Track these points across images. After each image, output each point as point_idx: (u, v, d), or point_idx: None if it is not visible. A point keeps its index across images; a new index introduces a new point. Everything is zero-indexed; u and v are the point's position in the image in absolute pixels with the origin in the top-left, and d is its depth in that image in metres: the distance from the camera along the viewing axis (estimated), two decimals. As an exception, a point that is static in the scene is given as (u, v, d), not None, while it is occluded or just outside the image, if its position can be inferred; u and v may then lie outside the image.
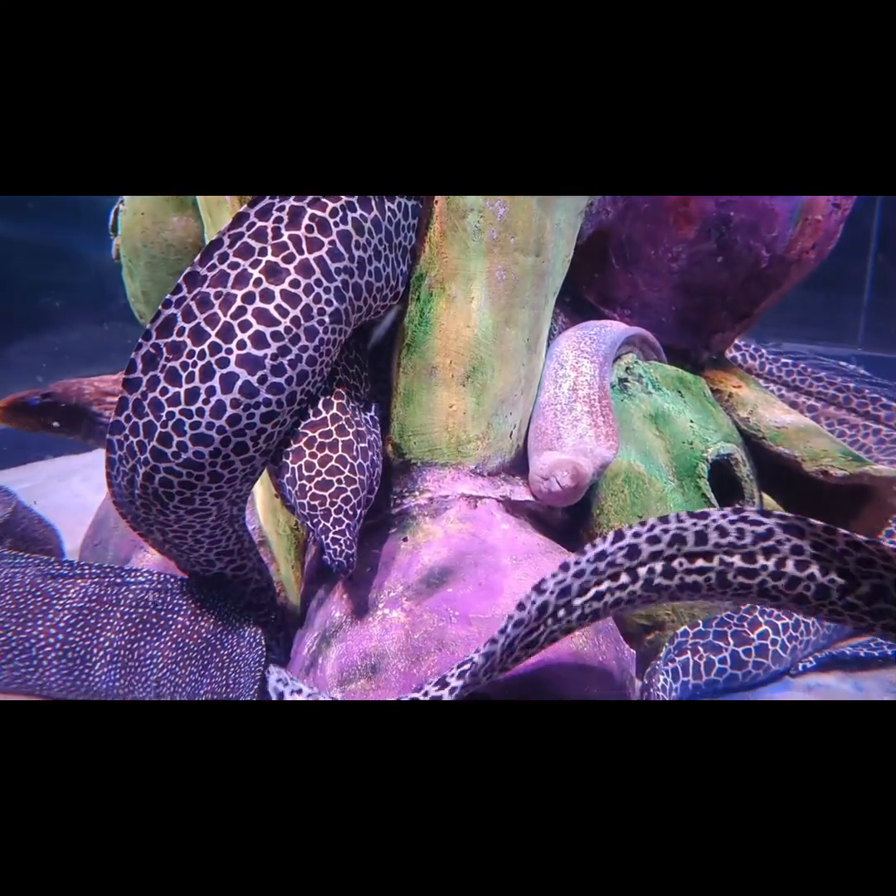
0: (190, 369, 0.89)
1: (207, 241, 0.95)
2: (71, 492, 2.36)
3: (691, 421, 1.29)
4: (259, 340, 0.89)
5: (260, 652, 1.17)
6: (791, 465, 1.32)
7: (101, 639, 1.29)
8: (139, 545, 1.48)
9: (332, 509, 0.94)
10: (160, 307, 0.90)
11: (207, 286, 0.90)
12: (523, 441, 1.20)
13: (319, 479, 0.95)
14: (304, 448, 0.97)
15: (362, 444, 0.99)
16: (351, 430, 0.98)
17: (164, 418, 0.89)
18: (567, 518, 1.23)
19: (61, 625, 1.31)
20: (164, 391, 0.89)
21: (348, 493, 0.95)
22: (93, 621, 1.31)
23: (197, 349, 0.89)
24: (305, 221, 0.92)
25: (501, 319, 1.10)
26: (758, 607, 1.31)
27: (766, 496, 1.48)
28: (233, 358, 0.88)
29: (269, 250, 0.91)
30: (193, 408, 0.88)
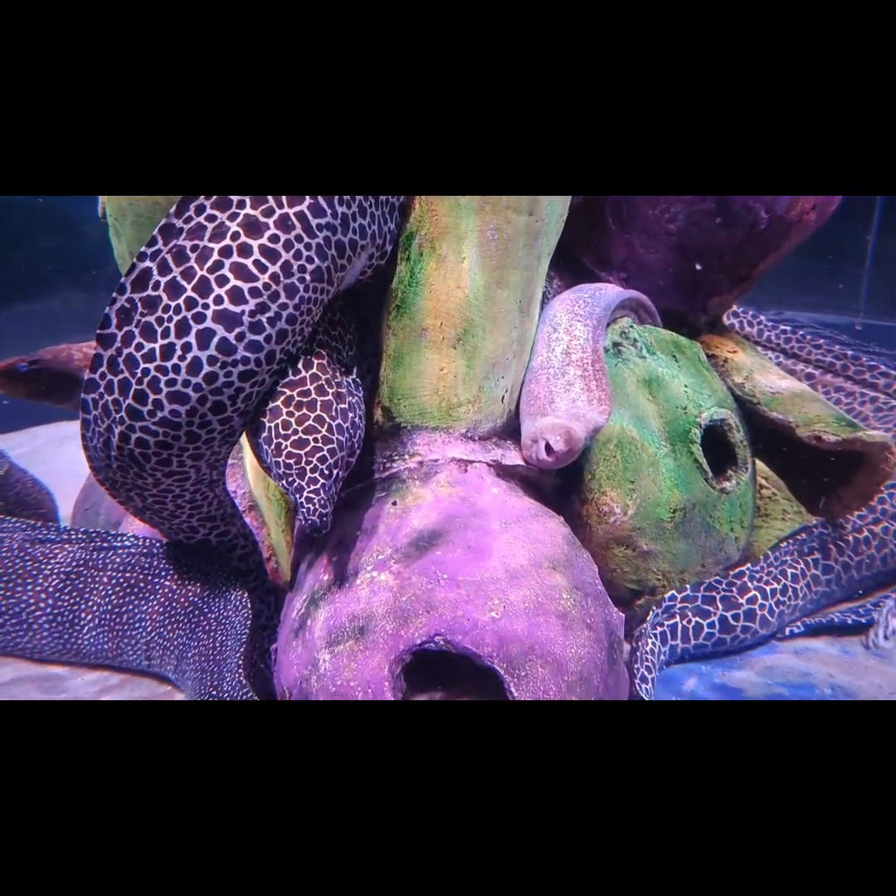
0: (165, 324, 0.87)
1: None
2: (68, 457, 2.35)
3: (685, 386, 1.28)
4: (237, 296, 0.86)
5: (246, 615, 1.18)
6: (785, 431, 1.31)
7: (89, 603, 1.31)
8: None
9: (308, 468, 0.92)
10: (135, 260, 0.88)
11: (183, 239, 0.87)
12: (515, 405, 1.19)
13: (296, 437, 0.93)
14: (282, 407, 0.95)
15: (342, 405, 0.97)
16: (331, 391, 0.97)
17: (139, 375, 0.88)
18: (558, 482, 1.22)
19: (51, 589, 1.32)
20: (139, 347, 0.88)
21: (325, 452, 0.93)
22: (81, 586, 1.31)
23: (172, 304, 0.87)
24: None
25: (493, 280, 1.08)
26: (747, 572, 1.32)
27: (759, 462, 1.48)
28: (209, 313, 0.86)
29: (248, 203, 0.88)
30: (169, 364, 0.87)
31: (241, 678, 1.04)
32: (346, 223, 0.94)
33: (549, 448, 1.06)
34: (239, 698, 1.01)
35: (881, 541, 1.41)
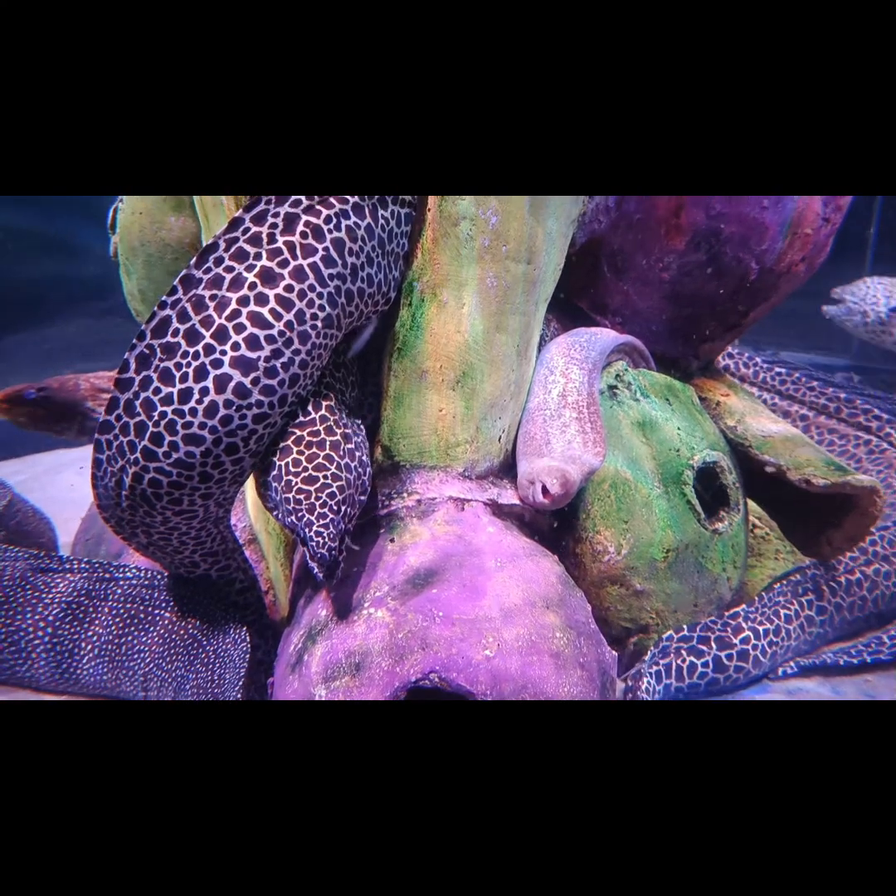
0: (184, 370, 0.90)
1: (204, 244, 0.97)
2: (66, 485, 2.38)
3: (678, 428, 1.31)
4: (253, 343, 0.90)
5: (244, 648, 1.19)
6: (776, 474, 1.34)
7: (89, 632, 1.32)
8: None
9: (317, 503, 0.95)
10: (155, 308, 0.92)
11: (203, 288, 0.92)
12: (512, 445, 1.22)
13: (305, 474, 0.96)
14: (293, 446, 0.98)
15: (349, 445, 1.01)
16: (339, 431, 1.00)
17: (156, 418, 0.91)
18: (553, 522, 1.25)
19: (50, 619, 1.33)
20: (156, 391, 0.91)
21: (334, 488, 0.96)
22: (81, 615, 1.33)
23: (191, 350, 0.90)
24: (300, 228, 0.94)
25: (492, 325, 1.12)
26: (742, 613, 1.34)
27: (752, 503, 1.51)
28: (227, 359, 0.90)
29: (264, 255, 0.92)
30: (186, 408, 0.90)
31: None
32: (355, 272, 0.99)
33: (545, 490, 1.09)
34: None
35: (873, 583, 1.43)
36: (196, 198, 1.28)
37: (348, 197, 0.98)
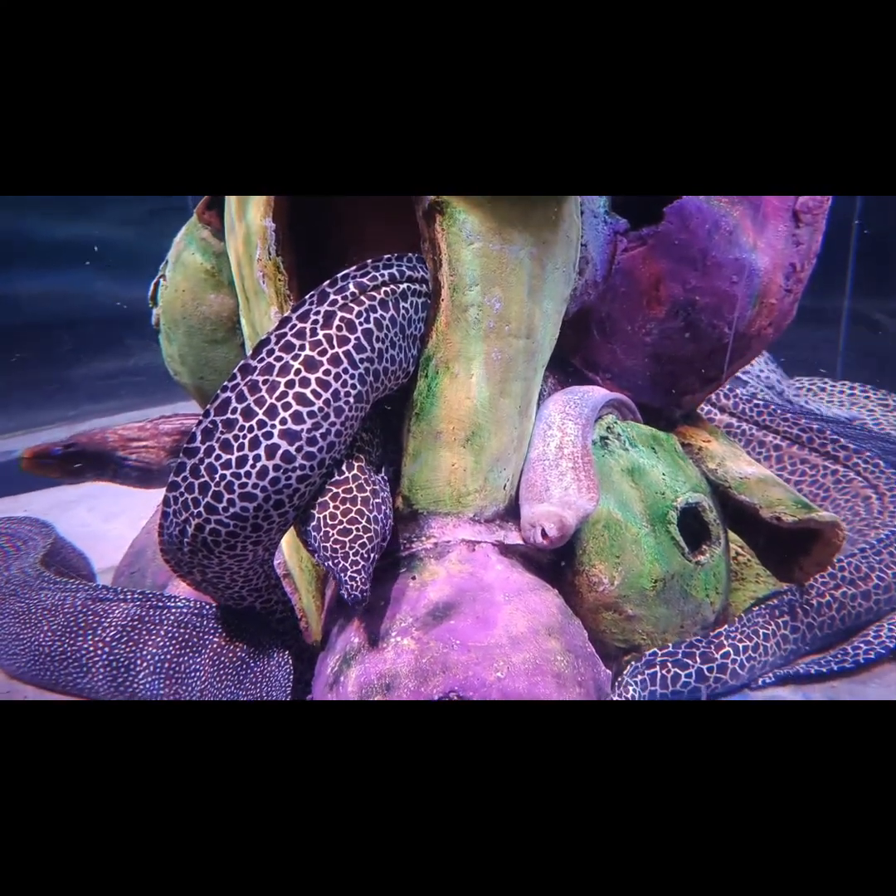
0: (240, 440, 1.09)
1: (258, 339, 1.14)
2: (78, 520, 2.49)
3: (663, 474, 1.49)
4: (297, 418, 1.09)
5: (288, 670, 1.36)
6: (751, 511, 1.51)
7: (144, 652, 1.49)
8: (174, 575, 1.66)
9: (351, 552, 1.13)
10: (219, 391, 1.11)
11: (256, 375, 1.11)
12: (515, 492, 1.39)
13: (341, 527, 1.15)
14: (329, 502, 1.17)
15: (377, 500, 1.19)
16: (368, 488, 1.19)
17: (217, 479, 1.10)
18: (554, 558, 1.42)
19: (107, 639, 1.51)
20: (218, 457, 1.10)
21: (364, 539, 1.14)
22: (136, 637, 1.50)
23: (247, 424, 1.09)
24: (336, 322, 1.14)
25: (497, 391, 1.31)
26: (724, 632, 1.50)
27: (733, 535, 1.67)
28: (276, 432, 1.09)
29: (307, 346, 1.12)
30: (242, 471, 1.09)
31: None
32: (380, 355, 1.18)
33: (544, 533, 1.26)
34: None
35: (841, 603, 1.59)
36: (236, 282, 1.47)
37: (375, 293, 1.18)
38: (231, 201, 1.42)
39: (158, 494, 2.23)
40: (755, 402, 2.02)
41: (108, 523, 2.31)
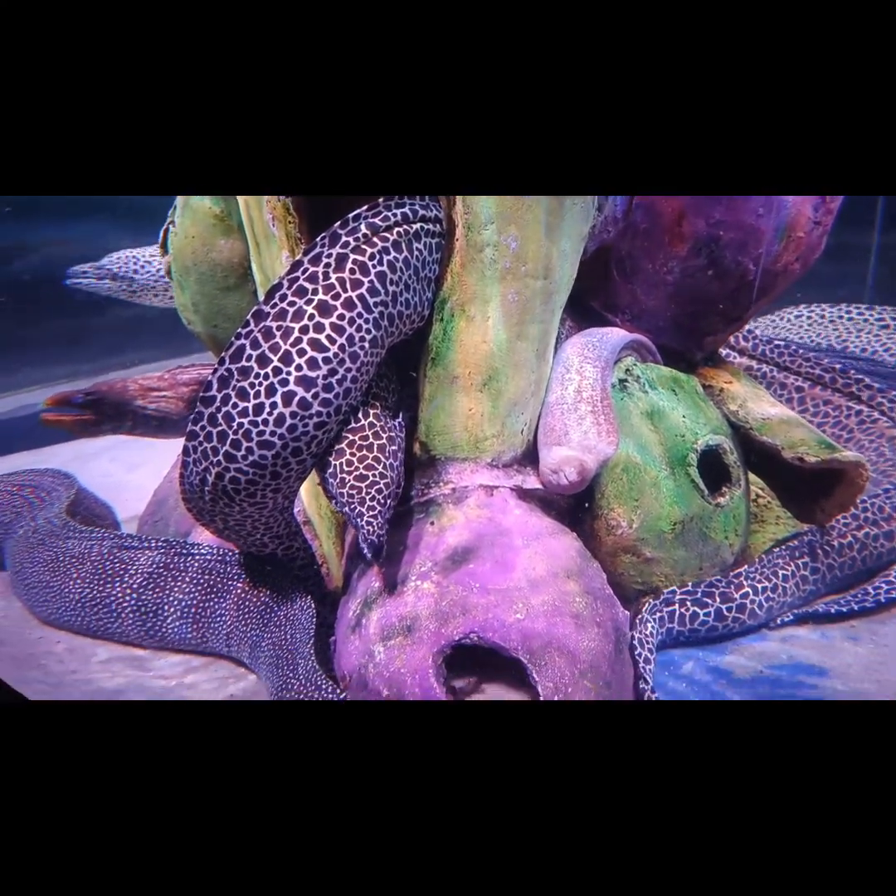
0: (256, 388, 1.09)
1: (270, 284, 1.13)
2: (101, 471, 2.53)
3: (683, 416, 1.46)
4: (312, 364, 1.08)
5: (311, 613, 1.39)
6: (773, 452, 1.49)
7: (171, 598, 1.54)
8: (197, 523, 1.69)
9: (367, 497, 1.14)
10: (232, 338, 1.10)
11: (270, 321, 1.09)
12: (533, 437, 1.38)
13: (357, 472, 1.15)
14: (346, 448, 1.17)
15: (392, 447, 1.19)
16: (384, 435, 1.18)
17: (235, 427, 1.10)
18: (572, 502, 1.42)
19: (135, 586, 1.56)
20: (235, 406, 1.10)
21: (380, 485, 1.15)
22: (162, 584, 1.55)
23: (262, 372, 1.09)
24: (349, 265, 1.11)
25: (514, 334, 1.28)
26: (744, 573, 1.50)
27: (754, 477, 1.66)
28: (292, 379, 1.08)
29: (320, 290, 1.09)
30: (259, 419, 1.09)
31: (313, 663, 1.26)
32: (395, 298, 1.15)
33: (565, 477, 1.26)
34: (315, 679, 1.21)
35: (863, 544, 1.58)
36: (247, 226, 1.44)
37: (388, 235, 1.14)
38: (237, 142, 1.37)
39: (179, 444, 2.26)
40: (775, 343, 1.97)
41: (131, 473, 2.34)
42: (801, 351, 1.95)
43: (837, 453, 1.42)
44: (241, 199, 1.42)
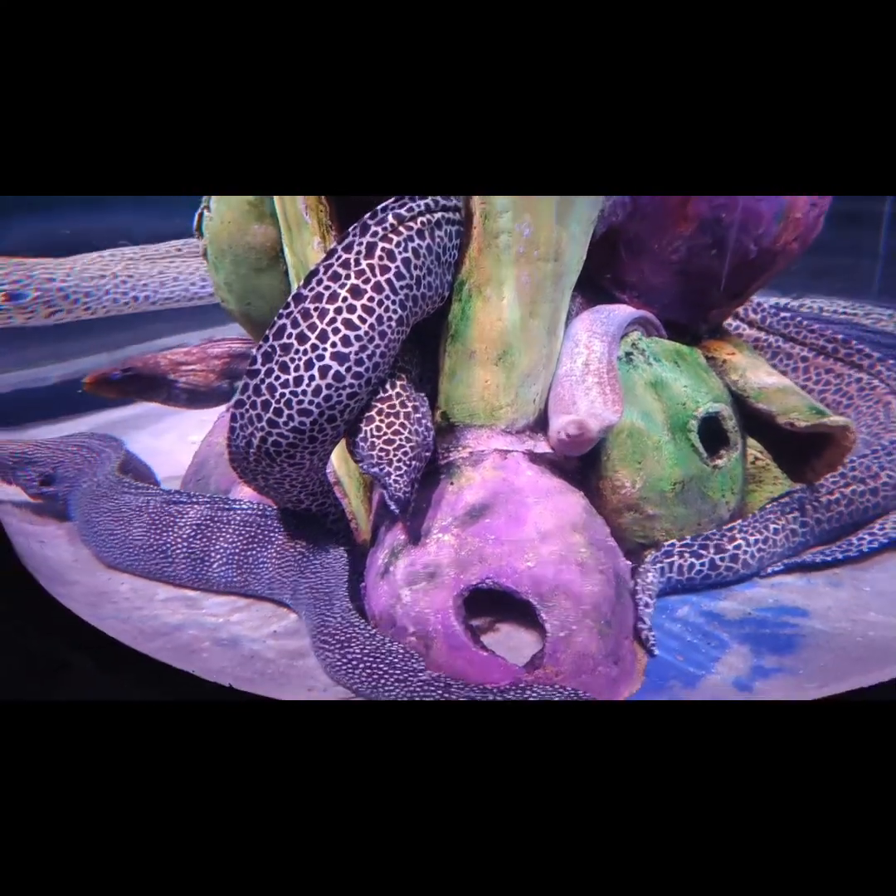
0: (296, 362, 1.23)
1: (309, 270, 1.25)
2: (129, 438, 2.57)
3: (685, 386, 1.58)
4: (346, 341, 1.22)
5: (344, 562, 1.55)
6: (769, 418, 1.61)
7: (217, 546, 1.70)
8: (236, 481, 1.77)
9: (394, 459, 1.28)
10: (275, 318, 1.24)
11: (308, 303, 1.23)
12: (544, 405, 1.51)
13: (385, 437, 1.29)
14: (375, 416, 1.31)
15: (417, 415, 1.33)
16: (410, 404, 1.33)
17: (277, 397, 1.25)
18: (580, 464, 1.55)
19: (185, 535, 1.73)
20: (277, 378, 1.24)
21: (407, 448, 1.29)
22: (208, 534, 1.72)
23: (301, 348, 1.23)
24: (378, 252, 1.24)
25: (526, 313, 1.40)
26: (737, 527, 1.63)
27: (753, 441, 1.78)
28: (327, 354, 1.22)
29: (352, 275, 1.23)
30: (299, 389, 1.23)
31: (348, 603, 1.40)
32: (419, 281, 1.28)
33: (567, 434, 1.37)
34: (349, 617, 1.35)
35: (849, 500, 1.70)
36: (280, 213, 1.55)
37: (412, 224, 1.26)
38: (273, 134, 1.48)
39: (200, 413, 2.46)
40: (782, 315, 2.05)
41: (158, 439, 2.47)
42: (805, 322, 2.03)
43: (826, 418, 1.53)
44: (277, 188, 1.53)
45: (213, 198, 1.83)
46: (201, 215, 1.90)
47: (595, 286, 1.65)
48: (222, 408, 2.30)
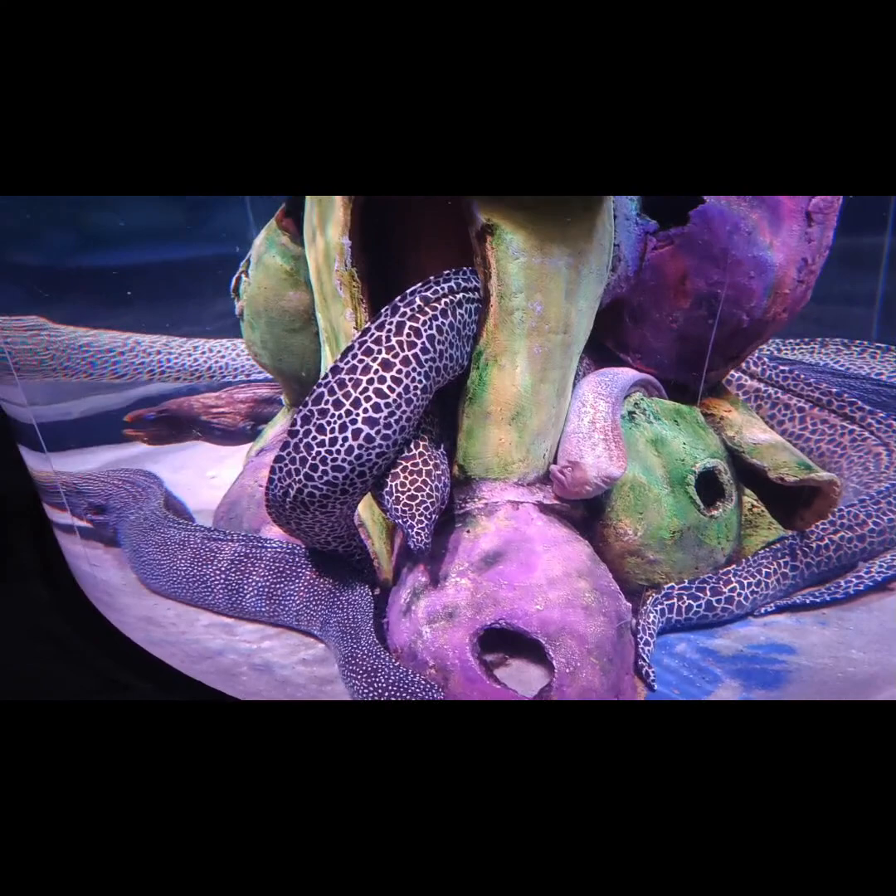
0: (332, 425, 1.38)
1: (344, 346, 1.40)
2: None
3: (684, 443, 1.71)
4: (376, 408, 1.37)
5: (369, 599, 1.68)
6: (761, 473, 1.74)
7: (250, 579, 1.85)
8: (265, 521, 1.93)
9: (417, 512, 1.41)
10: (314, 387, 1.40)
11: (344, 374, 1.39)
12: (554, 460, 1.66)
13: (409, 492, 1.43)
14: (400, 473, 1.45)
15: (438, 472, 1.48)
16: (432, 462, 1.48)
17: (313, 454, 1.40)
18: (586, 514, 1.69)
19: (222, 568, 1.88)
20: (314, 438, 1.40)
21: (428, 503, 1.43)
22: (243, 568, 1.87)
23: (337, 413, 1.38)
24: (406, 331, 1.40)
25: (538, 379, 1.55)
26: (732, 571, 1.75)
27: (748, 491, 1.91)
28: (360, 419, 1.37)
29: (383, 351, 1.39)
30: (334, 449, 1.39)
31: (374, 638, 1.52)
32: (442, 355, 1.44)
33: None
34: (376, 652, 1.47)
35: (838, 545, 1.82)
36: (314, 284, 1.71)
37: (437, 304, 1.42)
38: (311, 218, 1.66)
39: (214, 449, 2.64)
40: (781, 368, 2.19)
41: (177, 474, 2.56)
42: (803, 375, 2.17)
43: (813, 473, 1.66)
44: (311, 263, 1.70)
45: (252, 266, 2.01)
46: (239, 280, 2.07)
47: (601, 349, 1.79)
48: (244, 446, 2.52)
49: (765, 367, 2.21)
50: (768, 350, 2.71)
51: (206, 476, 2.51)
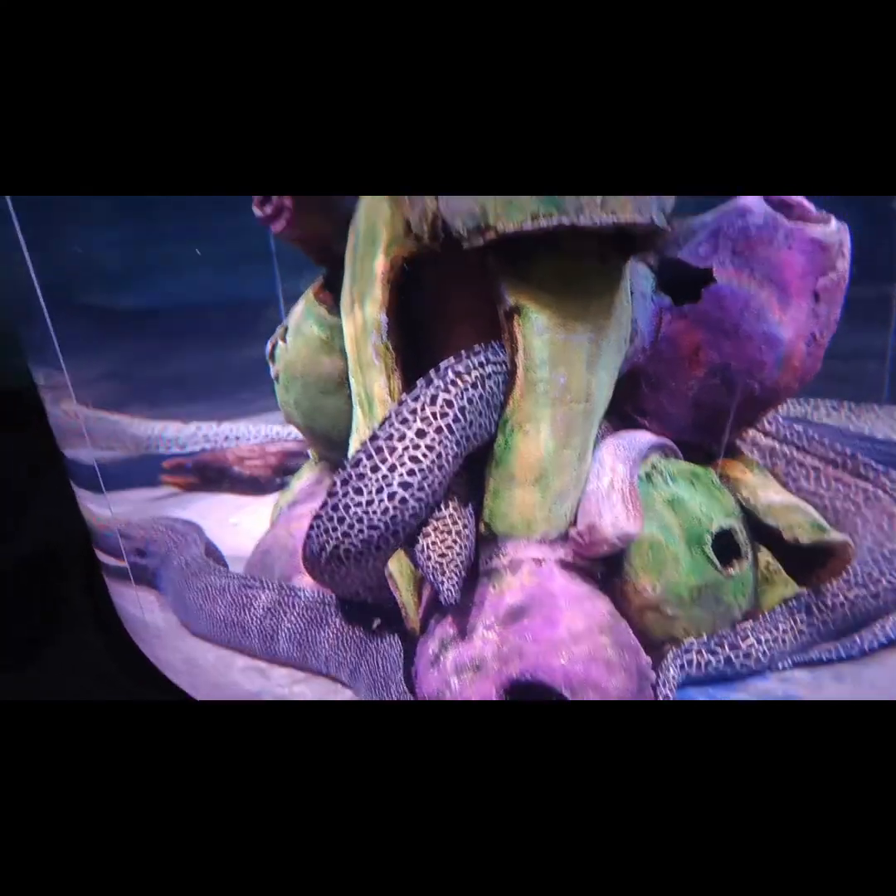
0: (369, 487, 1.50)
1: (383, 416, 1.52)
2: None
3: (700, 504, 1.80)
4: (411, 473, 1.49)
5: (399, 649, 1.76)
6: (776, 533, 1.81)
7: (283, 625, 1.94)
8: (297, 570, 2.01)
9: (447, 569, 1.51)
10: (354, 452, 1.51)
11: (381, 441, 1.51)
12: (574, 519, 1.75)
13: (439, 551, 1.53)
14: (431, 531, 1.56)
15: (466, 531, 1.58)
16: (460, 522, 1.58)
17: (351, 514, 1.51)
18: (606, 571, 1.77)
19: (258, 615, 1.98)
20: (352, 499, 1.51)
21: (457, 561, 1.53)
22: (277, 614, 1.97)
23: (373, 477, 1.50)
24: (439, 402, 1.52)
25: (560, 444, 1.65)
26: (750, 626, 1.80)
27: (763, 549, 1.97)
28: (395, 483, 1.49)
29: (418, 420, 1.51)
30: (370, 509, 1.50)
31: (404, 687, 1.60)
32: (471, 424, 1.55)
33: (586, 539, 1.59)
34: (404, 698, 1.55)
35: (852, 603, 1.87)
36: (350, 353, 1.83)
37: (468, 377, 1.54)
38: (350, 292, 1.80)
39: (234, 498, 2.81)
40: (796, 427, 2.27)
41: (202, 520, 2.68)
42: (816, 436, 2.25)
43: (825, 535, 1.73)
44: (348, 334, 1.83)
45: (290, 334, 2.15)
46: (275, 346, 2.22)
47: (620, 413, 1.90)
48: (264, 497, 2.69)
49: (779, 425, 2.29)
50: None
51: (229, 523, 2.65)
